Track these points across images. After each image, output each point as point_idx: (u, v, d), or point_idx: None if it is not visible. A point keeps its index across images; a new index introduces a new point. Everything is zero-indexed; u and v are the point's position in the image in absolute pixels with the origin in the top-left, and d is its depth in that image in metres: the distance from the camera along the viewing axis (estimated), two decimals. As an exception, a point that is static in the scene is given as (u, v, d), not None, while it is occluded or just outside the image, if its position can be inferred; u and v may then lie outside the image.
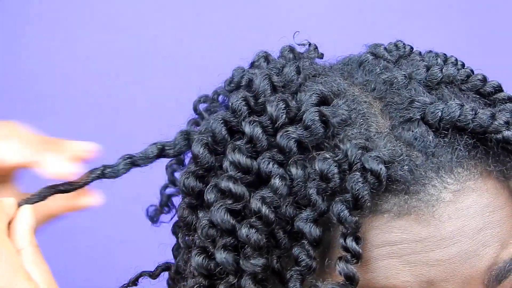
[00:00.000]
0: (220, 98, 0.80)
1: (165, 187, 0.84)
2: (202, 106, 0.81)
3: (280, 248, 0.68)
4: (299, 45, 0.82)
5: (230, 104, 0.71)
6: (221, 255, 0.67)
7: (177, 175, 0.83)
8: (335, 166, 0.66)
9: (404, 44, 0.79)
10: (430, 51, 0.79)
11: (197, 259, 0.69)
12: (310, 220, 0.66)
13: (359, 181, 0.65)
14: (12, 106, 1.48)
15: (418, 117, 0.69)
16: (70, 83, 1.50)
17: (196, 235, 0.70)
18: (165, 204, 0.84)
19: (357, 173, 0.66)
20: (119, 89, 1.50)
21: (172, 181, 0.83)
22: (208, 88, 0.83)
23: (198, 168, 0.70)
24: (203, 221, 0.69)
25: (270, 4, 1.49)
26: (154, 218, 0.85)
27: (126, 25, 1.50)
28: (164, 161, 0.86)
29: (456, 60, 0.78)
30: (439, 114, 0.69)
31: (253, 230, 0.66)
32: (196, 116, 0.82)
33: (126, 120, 1.49)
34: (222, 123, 0.70)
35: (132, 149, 0.80)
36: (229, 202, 0.68)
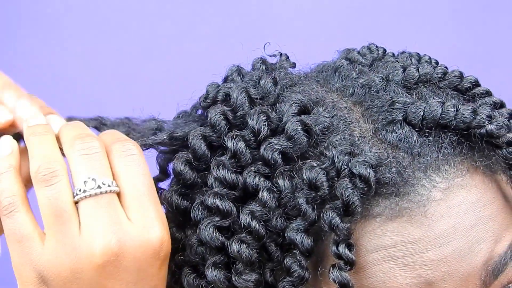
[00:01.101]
0: (199, 113, 0.79)
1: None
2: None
3: (273, 261, 0.67)
4: (269, 56, 0.81)
5: (208, 119, 0.71)
6: (211, 273, 0.66)
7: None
8: (323, 174, 0.66)
9: (377, 46, 0.79)
10: (404, 52, 0.79)
11: (187, 279, 0.69)
12: (301, 230, 0.66)
13: (348, 187, 0.65)
14: None
15: (401, 118, 0.69)
16: (69, 83, 1.48)
17: (185, 254, 0.70)
18: None
19: (346, 179, 0.65)
20: (114, 91, 1.49)
21: None
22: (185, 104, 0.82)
23: (180, 185, 0.70)
24: (192, 240, 0.68)
25: (238, 17, 1.49)
26: None
27: (116, 29, 1.49)
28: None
29: (430, 58, 0.78)
30: (421, 113, 0.69)
31: (244, 245, 0.66)
32: None
33: None
34: (201, 138, 0.70)
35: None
36: (217, 219, 0.67)
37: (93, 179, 0.66)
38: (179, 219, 0.70)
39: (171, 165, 0.74)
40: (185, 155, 0.70)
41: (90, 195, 0.66)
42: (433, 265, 0.66)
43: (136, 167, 0.68)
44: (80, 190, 0.66)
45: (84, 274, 0.65)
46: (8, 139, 0.71)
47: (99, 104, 1.48)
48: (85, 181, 0.66)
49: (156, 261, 0.66)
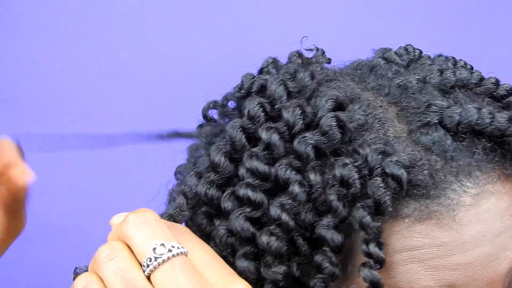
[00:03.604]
0: (230, 104, 0.79)
1: (172, 191, 0.83)
2: (211, 112, 0.80)
3: (300, 255, 0.67)
4: (306, 50, 0.81)
5: (246, 110, 0.70)
6: (242, 264, 0.66)
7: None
8: (356, 172, 0.66)
9: (413, 48, 0.79)
10: (440, 55, 0.79)
11: None
12: (331, 226, 0.66)
13: (381, 186, 0.65)
14: (12, 107, 1.47)
15: (436, 121, 0.69)
16: (69, 84, 1.48)
17: (212, 244, 0.69)
18: None
19: (378, 178, 0.65)
20: (117, 91, 1.49)
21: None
22: (211, 94, 0.82)
23: (218, 177, 0.69)
24: (221, 230, 0.68)
25: (272, 8, 1.48)
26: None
27: (124, 27, 1.49)
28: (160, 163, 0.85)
29: (465, 63, 0.78)
30: (457, 118, 0.69)
31: (273, 238, 0.65)
32: (205, 121, 0.81)
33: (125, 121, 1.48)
34: (241, 130, 0.69)
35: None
36: (248, 210, 0.67)
37: (161, 244, 0.61)
38: (210, 211, 0.70)
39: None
40: (224, 147, 0.69)
41: (163, 261, 0.60)
42: (458, 269, 0.66)
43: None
44: (150, 260, 0.61)
45: None
46: None
47: (100, 104, 1.49)
48: (154, 248, 0.61)
49: None
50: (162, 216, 0.71)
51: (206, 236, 0.69)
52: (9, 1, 1.47)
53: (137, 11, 1.49)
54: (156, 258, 0.61)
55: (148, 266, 0.61)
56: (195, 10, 1.48)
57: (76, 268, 0.68)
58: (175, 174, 0.82)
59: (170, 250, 0.61)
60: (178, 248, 0.61)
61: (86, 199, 1.47)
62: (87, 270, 0.65)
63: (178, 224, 0.66)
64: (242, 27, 1.46)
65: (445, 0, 1.47)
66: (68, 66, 1.48)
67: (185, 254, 0.62)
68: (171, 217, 0.70)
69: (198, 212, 0.70)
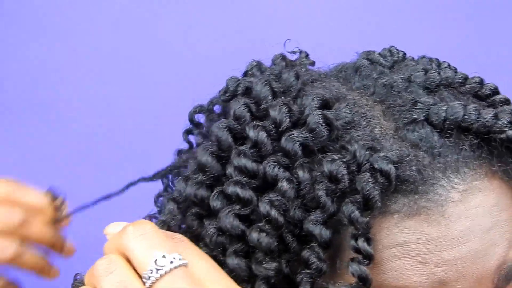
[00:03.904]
0: (216, 108, 0.79)
1: (158, 196, 0.83)
2: (197, 117, 0.80)
3: (289, 252, 0.67)
4: (290, 53, 0.82)
5: (232, 111, 0.70)
6: (233, 261, 0.66)
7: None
8: (344, 167, 0.66)
9: (397, 49, 0.80)
10: (424, 56, 0.79)
11: None
12: (319, 222, 0.65)
13: (370, 181, 0.65)
14: (13, 108, 1.46)
15: (422, 118, 0.69)
16: (69, 85, 1.47)
17: (200, 246, 0.68)
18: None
19: (367, 173, 0.65)
20: (115, 93, 1.48)
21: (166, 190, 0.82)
22: (197, 98, 0.82)
23: (206, 177, 0.69)
24: (211, 230, 0.67)
25: (255, 12, 1.49)
26: None
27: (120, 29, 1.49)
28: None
29: (449, 64, 0.78)
30: (443, 114, 0.69)
31: (263, 234, 0.65)
32: (192, 126, 0.81)
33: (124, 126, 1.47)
34: (227, 130, 0.69)
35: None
36: (237, 207, 0.66)
37: (163, 256, 0.60)
38: (200, 211, 0.69)
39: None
40: (210, 147, 0.69)
41: (166, 272, 0.60)
42: (448, 265, 0.66)
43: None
44: (151, 272, 0.60)
45: None
46: None
47: (98, 106, 1.48)
48: (155, 260, 0.60)
49: None
50: (156, 224, 0.70)
51: (196, 238, 0.68)
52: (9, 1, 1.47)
53: (134, 12, 1.49)
54: (157, 270, 0.60)
55: (149, 278, 0.60)
56: (183, 14, 1.48)
57: (77, 274, 0.67)
58: (161, 179, 0.82)
59: (171, 262, 0.60)
60: (179, 259, 0.60)
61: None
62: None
63: (176, 234, 0.65)
64: (226, 33, 1.46)
65: (442, 1, 1.49)
66: (68, 66, 1.47)
67: (185, 265, 0.61)
68: (165, 224, 0.69)
69: (188, 214, 0.69)
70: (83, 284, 0.64)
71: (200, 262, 0.63)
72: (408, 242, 0.66)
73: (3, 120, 1.46)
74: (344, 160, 0.66)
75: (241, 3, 1.47)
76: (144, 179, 0.81)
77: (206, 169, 0.69)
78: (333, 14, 1.47)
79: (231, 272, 0.65)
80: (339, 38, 1.37)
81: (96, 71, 1.47)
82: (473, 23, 1.46)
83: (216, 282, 0.63)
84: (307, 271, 0.65)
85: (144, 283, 0.60)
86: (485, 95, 0.74)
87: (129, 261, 0.62)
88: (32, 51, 1.47)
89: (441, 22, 1.45)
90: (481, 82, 0.75)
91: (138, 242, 0.61)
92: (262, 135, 0.68)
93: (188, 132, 0.81)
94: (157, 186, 0.83)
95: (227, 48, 1.40)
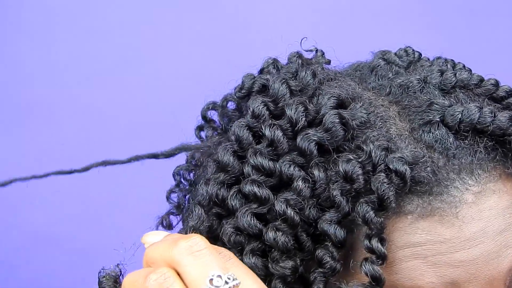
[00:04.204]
0: (230, 105, 0.79)
1: (170, 192, 0.83)
2: (210, 113, 0.81)
3: (303, 252, 0.67)
4: (306, 51, 0.82)
5: (250, 109, 0.70)
6: (250, 260, 0.66)
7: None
8: (359, 167, 0.66)
9: (413, 50, 0.80)
10: (439, 57, 0.79)
11: None
12: (334, 221, 0.66)
13: (385, 182, 0.65)
14: (12, 109, 1.46)
15: (438, 119, 0.70)
16: (69, 85, 1.48)
17: (219, 244, 0.68)
18: (179, 209, 0.82)
19: (382, 174, 0.66)
20: (117, 93, 1.49)
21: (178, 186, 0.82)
22: (209, 95, 0.82)
23: (228, 176, 0.69)
24: (228, 229, 0.67)
25: (270, 9, 1.49)
26: (170, 225, 0.83)
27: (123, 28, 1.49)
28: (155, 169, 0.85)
29: (464, 66, 0.78)
30: (459, 116, 0.69)
31: (280, 233, 0.65)
32: (204, 123, 0.81)
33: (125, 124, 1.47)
34: (247, 129, 0.69)
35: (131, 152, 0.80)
36: (254, 206, 0.67)
37: (218, 275, 0.59)
38: (221, 212, 0.69)
39: None
40: (230, 146, 0.69)
41: None
42: (461, 266, 0.66)
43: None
44: None
45: None
46: None
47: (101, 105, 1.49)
48: (210, 279, 0.59)
49: None
50: (184, 230, 0.71)
51: (215, 238, 0.68)
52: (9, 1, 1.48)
53: (133, 13, 1.49)
54: None
55: None
56: (191, 12, 1.48)
57: (101, 270, 0.67)
58: (173, 175, 0.82)
59: (226, 282, 0.60)
60: (233, 279, 0.60)
61: (79, 208, 1.46)
62: (113, 272, 0.64)
63: (222, 248, 0.64)
64: (240, 29, 1.46)
65: (443, 2, 1.48)
66: (68, 66, 1.48)
67: (238, 285, 0.60)
68: (195, 229, 0.69)
69: (209, 214, 0.69)
70: (114, 279, 0.64)
71: (249, 280, 0.62)
72: (421, 243, 0.66)
73: (3, 120, 1.46)
74: (360, 160, 0.66)
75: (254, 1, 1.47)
76: (153, 155, 0.81)
77: (228, 169, 0.69)
78: (346, 14, 1.47)
79: None
80: (351, 38, 1.37)
81: (95, 70, 1.47)
82: (489, 24, 1.46)
83: None
84: (321, 270, 0.66)
85: None
86: (500, 97, 0.74)
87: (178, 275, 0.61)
88: (33, 50, 1.47)
89: (457, 23, 1.45)
90: (496, 84, 0.75)
91: (193, 259, 0.60)
92: (278, 134, 0.68)
93: (200, 128, 0.82)
94: (160, 188, 0.83)
95: (242, 46, 1.40)
